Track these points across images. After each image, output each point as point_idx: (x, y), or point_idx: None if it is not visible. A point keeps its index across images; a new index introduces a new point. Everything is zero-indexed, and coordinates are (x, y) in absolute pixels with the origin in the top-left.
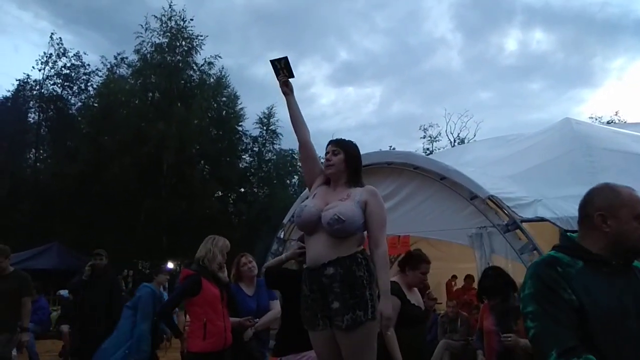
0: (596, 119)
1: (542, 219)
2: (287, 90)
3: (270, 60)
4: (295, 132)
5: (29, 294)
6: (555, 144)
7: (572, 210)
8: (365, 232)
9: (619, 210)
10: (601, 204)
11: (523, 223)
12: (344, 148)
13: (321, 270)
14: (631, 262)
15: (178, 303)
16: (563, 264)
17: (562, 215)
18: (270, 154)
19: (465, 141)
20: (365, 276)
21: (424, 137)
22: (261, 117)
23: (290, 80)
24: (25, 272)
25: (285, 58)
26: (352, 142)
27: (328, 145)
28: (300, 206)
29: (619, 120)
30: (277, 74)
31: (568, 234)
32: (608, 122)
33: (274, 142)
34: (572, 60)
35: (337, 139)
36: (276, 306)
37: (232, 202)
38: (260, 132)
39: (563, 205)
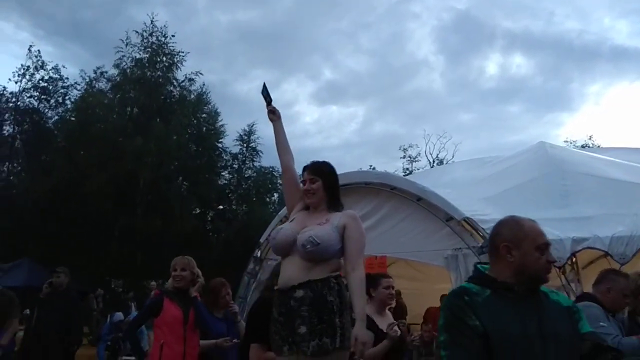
0: (571, 143)
1: None
2: (273, 117)
3: (261, 92)
4: (279, 157)
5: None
6: (530, 167)
7: (545, 232)
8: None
9: (522, 242)
10: (506, 235)
11: None
12: (321, 174)
13: (290, 292)
14: (535, 289)
15: (140, 323)
16: (471, 293)
17: None
18: (250, 171)
19: (444, 162)
20: (337, 302)
21: (404, 157)
22: (241, 134)
23: (275, 105)
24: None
25: (263, 84)
26: (327, 163)
27: (304, 171)
28: (276, 229)
29: (592, 144)
30: (267, 102)
31: (478, 265)
32: (582, 146)
33: (254, 159)
34: (551, 85)
35: (312, 165)
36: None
37: (210, 219)
38: (241, 149)
39: None
